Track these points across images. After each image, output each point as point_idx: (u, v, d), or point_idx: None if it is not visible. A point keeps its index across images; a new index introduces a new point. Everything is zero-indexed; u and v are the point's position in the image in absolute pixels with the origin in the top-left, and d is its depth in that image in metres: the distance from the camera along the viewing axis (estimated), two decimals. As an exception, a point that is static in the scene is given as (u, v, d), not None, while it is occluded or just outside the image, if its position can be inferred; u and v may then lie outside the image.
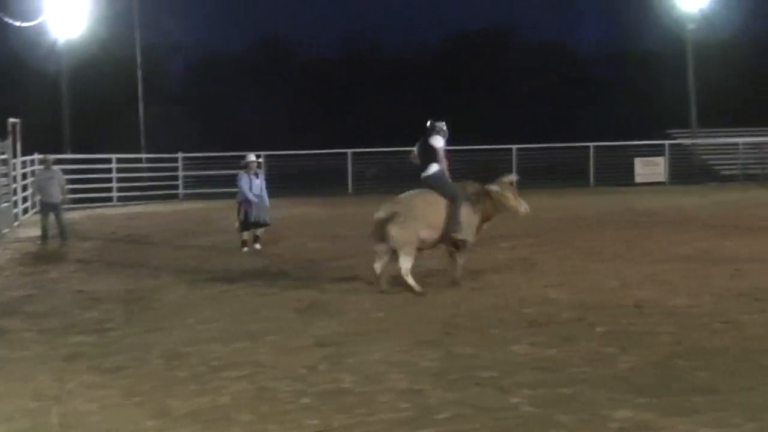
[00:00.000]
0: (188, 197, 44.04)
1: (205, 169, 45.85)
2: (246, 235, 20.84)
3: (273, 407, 8.34)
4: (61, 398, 8.87)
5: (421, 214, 14.53)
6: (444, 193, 14.79)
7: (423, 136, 15.50)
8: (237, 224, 21.06)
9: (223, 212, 32.77)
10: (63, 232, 22.98)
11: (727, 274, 15.55)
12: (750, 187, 42.77)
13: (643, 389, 8.54)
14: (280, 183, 42.99)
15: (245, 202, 20.58)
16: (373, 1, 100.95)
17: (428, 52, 72.90)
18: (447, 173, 15.24)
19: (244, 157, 21.77)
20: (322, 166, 45.05)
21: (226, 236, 23.45)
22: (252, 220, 20.65)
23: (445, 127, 15.48)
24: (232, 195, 39.85)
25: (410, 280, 14.26)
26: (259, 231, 20.93)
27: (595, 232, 23.35)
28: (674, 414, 7.77)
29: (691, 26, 51.75)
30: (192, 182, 45.89)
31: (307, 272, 17.41)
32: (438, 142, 15.20)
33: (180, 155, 45.66)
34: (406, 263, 14.30)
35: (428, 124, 15.55)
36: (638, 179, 47.93)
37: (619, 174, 47.69)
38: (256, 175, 21.03)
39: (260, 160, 21.54)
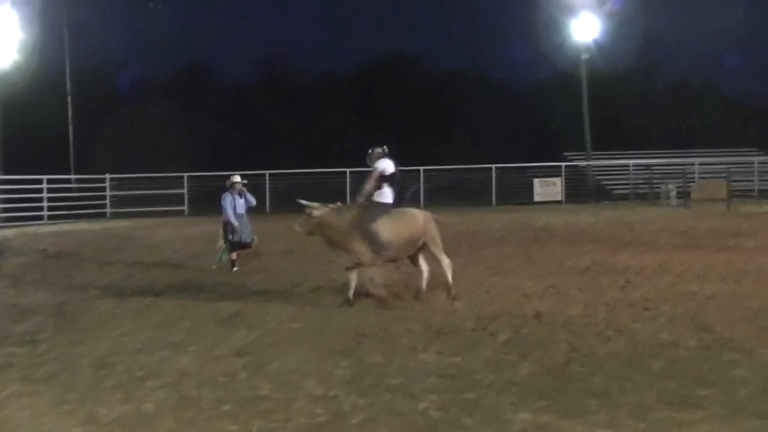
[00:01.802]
0: (115, 216, 43.64)
1: (131, 189, 45.58)
2: (235, 254, 20.03)
3: (195, 414, 8.30)
4: (-6, 406, 8.75)
5: None
6: None
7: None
8: (219, 243, 20.39)
9: (148, 230, 32.57)
10: (-5, 249, 22.63)
11: (619, 285, 15.76)
12: (639, 205, 43.41)
13: (541, 393, 8.62)
14: (203, 202, 42.96)
15: (230, 223, 19.83)
16: (291, 27, 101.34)
17: (342, 78, 72.79)
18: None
19: (229, 177, 20.76)
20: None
21: (150, 251, 23.31)
22: (241, 240, 19.92)
23: (374, 152, 14.97)
24: (157, 214, 39.53)
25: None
26: (234, 254, 20.06)
27: (497, 247, 23.45)
28: (571, 416, 7.85)
29: (585, 55, 52.47)
30: (119, 201, 45.60)
31: (228, 285, 17.30)
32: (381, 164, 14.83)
33: (107, 176, 45.34)
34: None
35: (369, 151, 15.10)
36: (537, 198, 48.43)
37: (520, 194, 48.19)
38: (240, 194, 20.27)
39: (245, 181, 20.83)
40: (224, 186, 20.31)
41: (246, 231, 20.11)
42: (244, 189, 20.42)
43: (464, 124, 65.13)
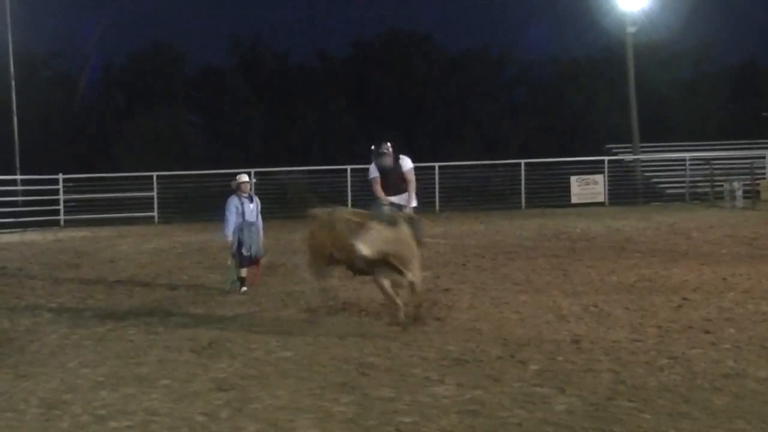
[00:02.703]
0: (71, 224, 43.55)
1: (90, 192, 45.42)
2: (245, 271, 19.59)
3: (167, 461, 8.30)
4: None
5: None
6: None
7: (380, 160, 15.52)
8: (230, 260, 19.86)
9: (109, 241, 32.51)
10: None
11: (673, 304, 15.72)
12: (697, 207, 43.34)
13: (581, 434, 8.63)
14: (173, 207, 42.86)
15: (235, 233, 19.42)
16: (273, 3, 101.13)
17: (334, 61, 72.46)
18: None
19: (234, 177, 20.34)
20: (213, 189, 43.71)
21: (112, 267, 23.30)
22: (245, 253, 19.47)
23: (385, 150, 15.50)
24: (120, 221, 39.43)
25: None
26: (243, 271, 19.63)
27: (526, 259, 23.44)
28: (615, 461, 7.86)
29: (631, 29, 52.15)
30: (75, 207, 45.34)
31: (205, 307, 17.27)
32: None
33: (61, 176, 45.13)
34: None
35: (373, 148, 15.49)
36: (574, 200, 48.36)
37: (554, 194, 48.08)
38: (250, 198, 19.87)
39: (254, 180, 20.26)
40: (229, 188, 20.02)
41: (255, 242, 19.71)
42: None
43: (485, 113, 65.02)
